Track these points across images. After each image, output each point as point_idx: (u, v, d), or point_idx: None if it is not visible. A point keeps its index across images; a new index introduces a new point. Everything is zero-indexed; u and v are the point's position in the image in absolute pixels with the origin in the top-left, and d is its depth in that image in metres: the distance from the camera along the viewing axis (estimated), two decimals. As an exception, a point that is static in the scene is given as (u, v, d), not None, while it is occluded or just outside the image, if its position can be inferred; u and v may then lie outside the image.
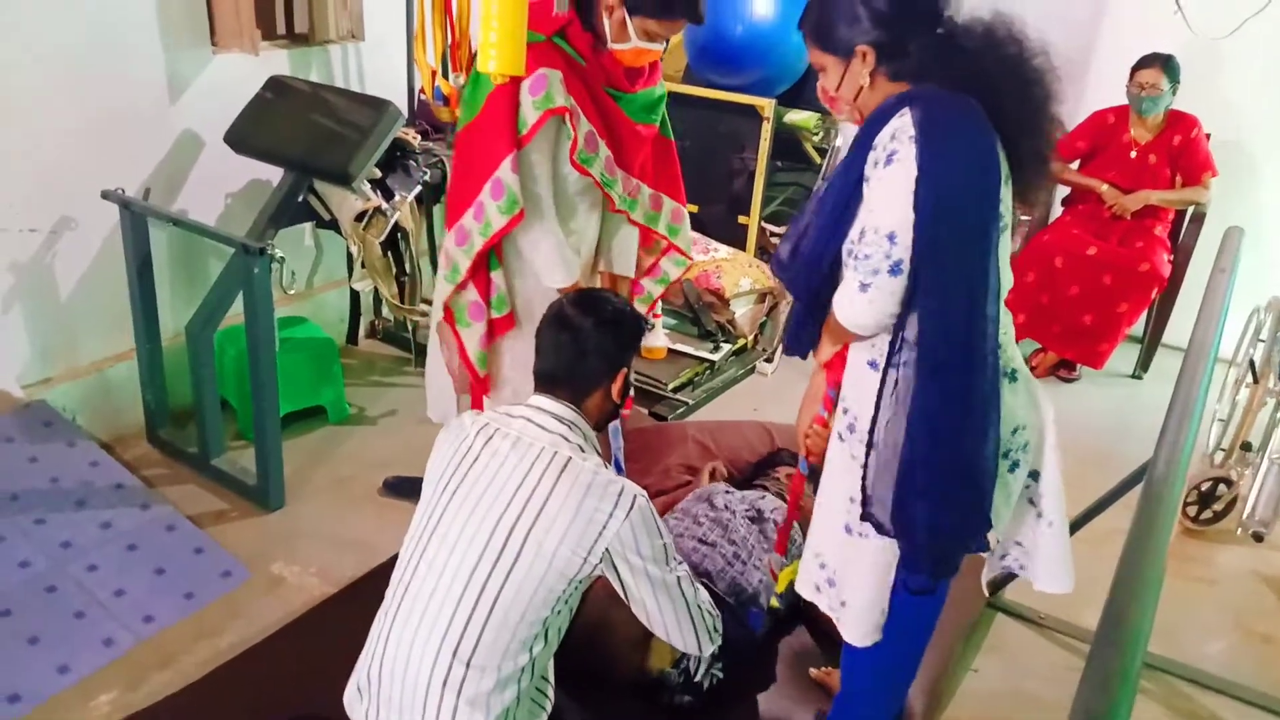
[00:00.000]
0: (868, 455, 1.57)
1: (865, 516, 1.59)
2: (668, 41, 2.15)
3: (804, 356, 1.74)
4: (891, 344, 1.52)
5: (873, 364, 1.60)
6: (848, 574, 1.71)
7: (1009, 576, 1.83)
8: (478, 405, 2.37)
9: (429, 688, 1.56)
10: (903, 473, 1.53)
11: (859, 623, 1.71)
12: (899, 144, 1.44)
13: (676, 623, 1.71)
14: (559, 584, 1.58)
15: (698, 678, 2.08)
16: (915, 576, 1.63)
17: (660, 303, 3.70)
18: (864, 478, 1.58)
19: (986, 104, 1.48)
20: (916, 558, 1.59)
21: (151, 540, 2.59)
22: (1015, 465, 1.62)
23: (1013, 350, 1.61)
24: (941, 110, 1.46)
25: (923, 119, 1.44)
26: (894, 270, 1.44)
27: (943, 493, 1.53)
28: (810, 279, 1.61)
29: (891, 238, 1.43)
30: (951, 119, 1.46)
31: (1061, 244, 3.84)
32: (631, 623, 1.74)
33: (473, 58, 3.47)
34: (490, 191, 2.08)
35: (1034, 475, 1.68)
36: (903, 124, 1.45)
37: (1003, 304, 1.56)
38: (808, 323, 1.68)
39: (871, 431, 1.56)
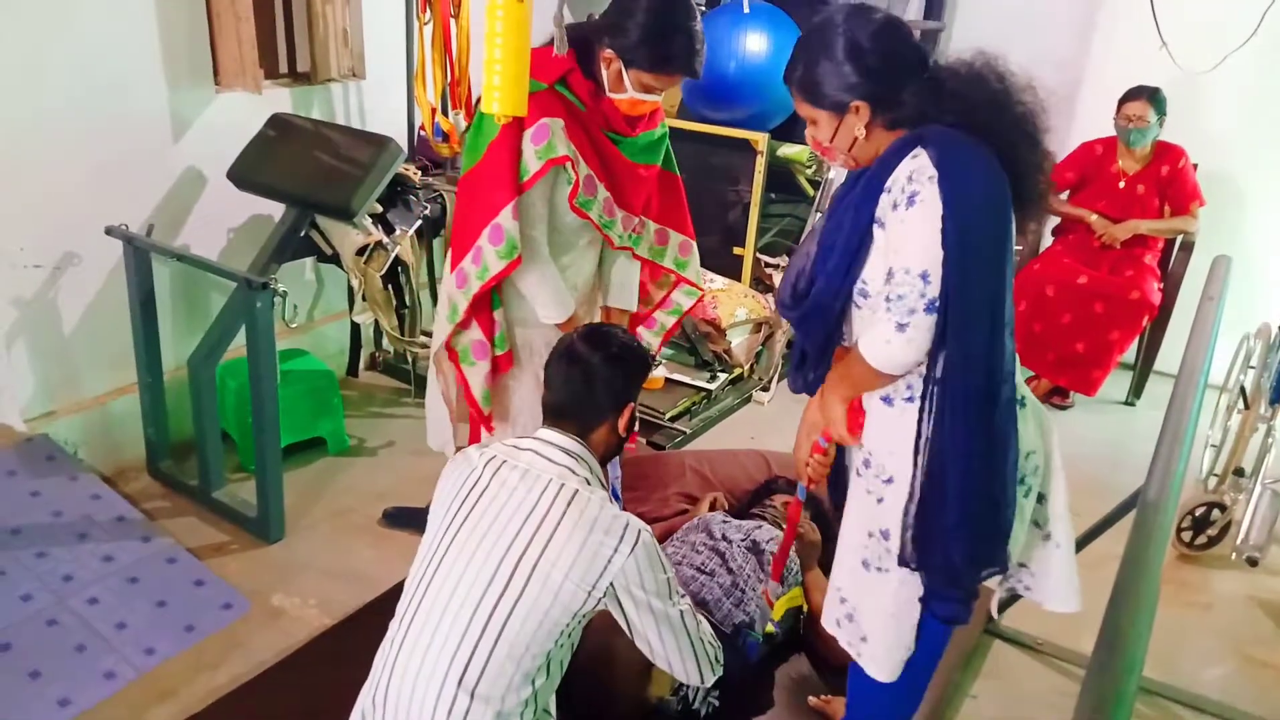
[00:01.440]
0: (907, 502, 1.59)
1: (902, 560, 1.61)
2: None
3: (810, 393, 1.76)
4: (925, 381, 1.55)
5: (886, 400, 1.63)
6: (866, 608, 1.72)
7: (1013, 598, 1.84)
8: (475, 438, 2.39)
9: (433, 718, 1.57)
10: (931, 508, 1.56)
11: (884, 658, 1.72)
12: (919, 184, 1.46)
13: (680, 656, 1.72)
14: (563, 617, 1.59)
15: (695, 705, 2.09)
16: (945, 605, 1.65)
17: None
18: (905, 519, 1.60)
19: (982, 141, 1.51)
20: (946, 588, 1.62)
21: (152, 573, 2.60)
22: (1029, 490, 1.65)
23: (1019, 378, 1.64)
24: (956, 148, 1.48)
25: (940, 158, 1.46)
26: (930, 309, 1.46)
27: (972, 524, 1.56)
28: (825, 321, 1.64)
29: (925, 277, 1.45)
30: (967, 156, 1.48)
31: (1052, 273, 3.89)
32: (632, 652, 1.75)
33: (473, 99, 3.54)
34: (489, 236, 2.11)
35: (1040, 498, 1.71)
36: (919, 164, 1.47)
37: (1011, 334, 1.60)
38: (818, 363, 1.70)
39: (913, 473, 1.58)
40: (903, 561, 1.61)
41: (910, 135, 1.53)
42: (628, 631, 1.69)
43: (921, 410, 1.56)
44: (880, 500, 1.65)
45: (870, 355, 1.54)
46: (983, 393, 1.51)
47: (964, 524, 1.55)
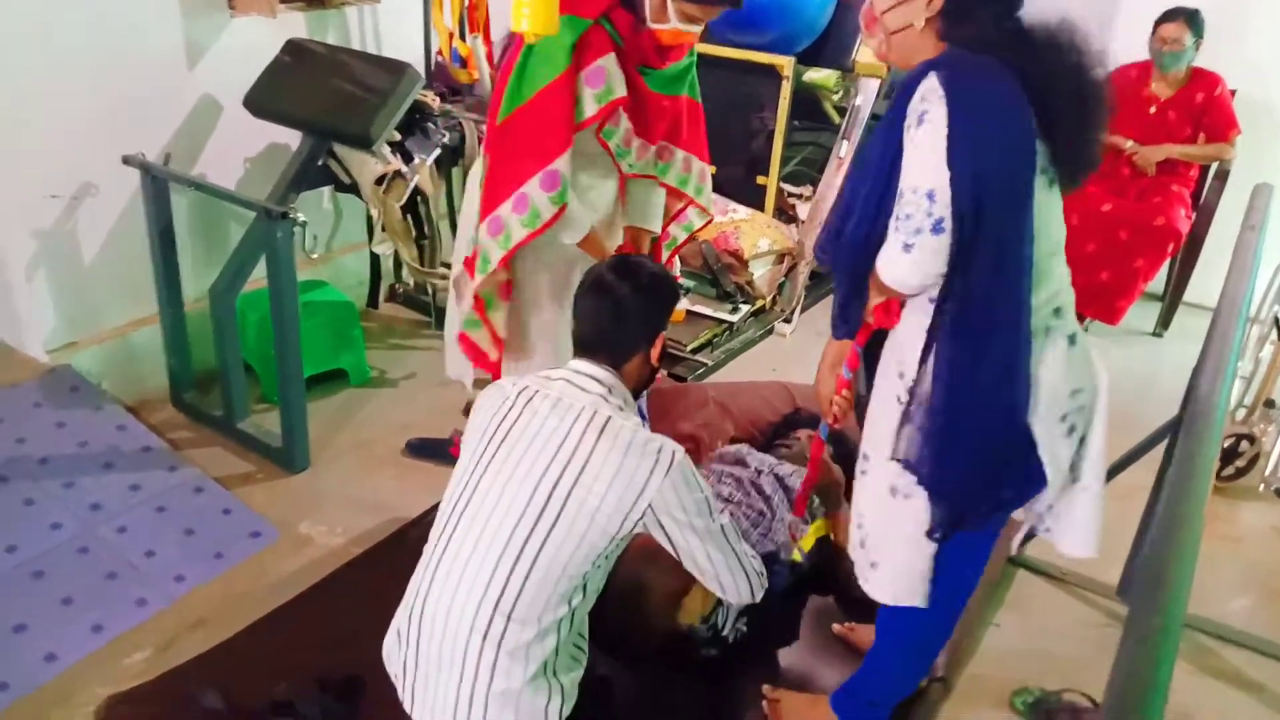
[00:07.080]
0: (907, 406, 1.57)
1: (896, 457, 1.59)
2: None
3: (851, 337, 1.72)
4: (934, 305, 1.50)
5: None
6: (884, 535, 1.71)
7: (1029, 535, 1.82)
8: (496, 374, 2.39)
9: (469, 640, 1.58)
10: (929, 427, 1.54)
11: (889, 584, 1.71)
12: (928, 104, 1.42)
13: (729, 572, 1.72)
14: (600, 541, 1.60)
15: (724, 632, 2.10)
16: (941, 528, 1.63)
17: (680, 265, 3.71)
18: (899, 423, 1.58)
19: (1035, 101, 1.44)
20: (948, 512, 1.60)
21: (180, 502, 2.62)
22: (1073, 429, 1.60)
23: (1072, 315, 1.59)
24: (967, 71, 1.44)
25: (949, 78, 1.41)
26: (936, 229, 1.42)
27: (956, 450, 1.53)
28: (857, 262, 1.58)
29: (931, 196, 1.42)
30: (977, 78, 1.43)
31: (1078, 202, 3.80)
32: (663, 581, 1.76)
33: (490, 24, 3.46)
34: (541, 183, 2.06)
35: (1080, 440, 1.66)
36: (930, 85, 1.43)
37: (1058, 260, 1.56)
38: (853, 303, 1.65)
39: (912, 386, 1.56)
40: (893, 456, 1.59)
41: (929, 61, 1.47)
42: (673, 553, 1.69)
43: (930, 332, 1.53)
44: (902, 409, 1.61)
45: (881, 270, 1.53)
46: (980, 322, 1.47)
47: (949, 447, 1.53)
